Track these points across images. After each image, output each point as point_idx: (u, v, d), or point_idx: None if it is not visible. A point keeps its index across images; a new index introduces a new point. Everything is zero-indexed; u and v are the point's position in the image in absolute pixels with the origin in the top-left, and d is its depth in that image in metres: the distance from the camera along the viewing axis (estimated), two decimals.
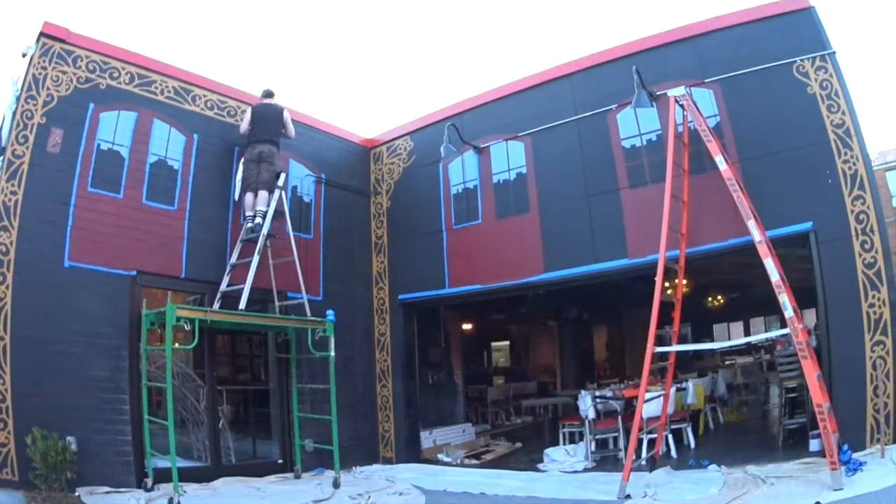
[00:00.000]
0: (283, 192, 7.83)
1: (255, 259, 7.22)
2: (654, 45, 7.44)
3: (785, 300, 5.57)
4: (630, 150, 7.45)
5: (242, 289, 6.99)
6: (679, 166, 6.81)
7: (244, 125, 7.76)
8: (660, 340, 5.91)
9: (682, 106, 6.60)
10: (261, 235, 7.36)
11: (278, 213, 7.68)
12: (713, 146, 6.22)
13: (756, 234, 5.81)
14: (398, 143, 9.62)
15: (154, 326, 6.53)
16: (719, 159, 6.14)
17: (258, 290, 7.41)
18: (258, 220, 7.42)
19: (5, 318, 5.78)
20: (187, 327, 6.22)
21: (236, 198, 7.78)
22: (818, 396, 5.16)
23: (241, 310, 6.83)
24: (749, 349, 14.24)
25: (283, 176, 7.90)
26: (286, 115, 7.97)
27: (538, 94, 8.33)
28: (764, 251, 5.75)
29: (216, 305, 7.01)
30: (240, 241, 7.55)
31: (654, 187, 7.23)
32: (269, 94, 8.07)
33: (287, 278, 7.68)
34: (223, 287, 7.25)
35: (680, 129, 6.90)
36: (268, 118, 7.80)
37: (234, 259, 7.51)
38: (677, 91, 6.56)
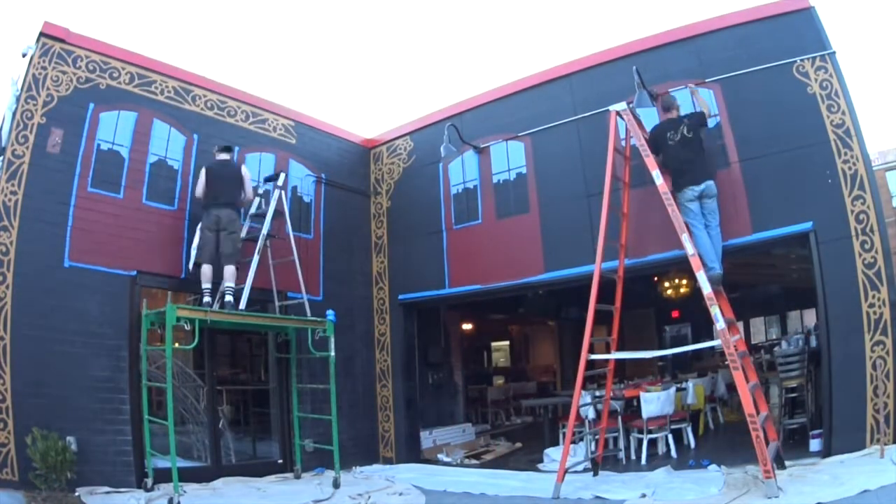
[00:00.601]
0: (283, 192, 7.74)
1: (255, 259, 7.19)
2: (654, 45, 7.44)
3: (717, 312, 5.57)
4: (630, 150, 7.44)
5: (242, 289, 6.95)
6: (620, 179, 6.92)
7: (199, 188, 7.03)
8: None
9: (623, 119, 6.62)
10: (261, 235, 7.31)
11: (278, 213, 7.62)
12: (650, 161, 6.24)
13: (689, 248, 5.84)
14: (398, 143, 9.62)
15: (154, 326, 6.53)
16: (656, 174, 6.16)
17: (258, 290, 7.41)
18: (228, 297, 6.70)
19: (5, 318, 5.78)
20: (187, 327, 6.21)
21: (190, 267, 7.06)
22: (749, 407, 5.18)
23: (241, 310, 6.81)
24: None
25: (282, 175, 7.82)
26: (245, 173, 7.33)
27: (538, 94, 8.32)
28: (696, 264, 5.80)
29: (216, 305, 6.97)
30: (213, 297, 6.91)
31: (654, 187, 7.22)
32: (226, 150, 7.34)
33: (287, 278, 7.67)
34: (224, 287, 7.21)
35: (623, 142, 7.03)
36: (225, 179, 7.05)
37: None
38: (619, 105, 6.60)
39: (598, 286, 6.41)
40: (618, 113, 6.61)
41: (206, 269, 6.77)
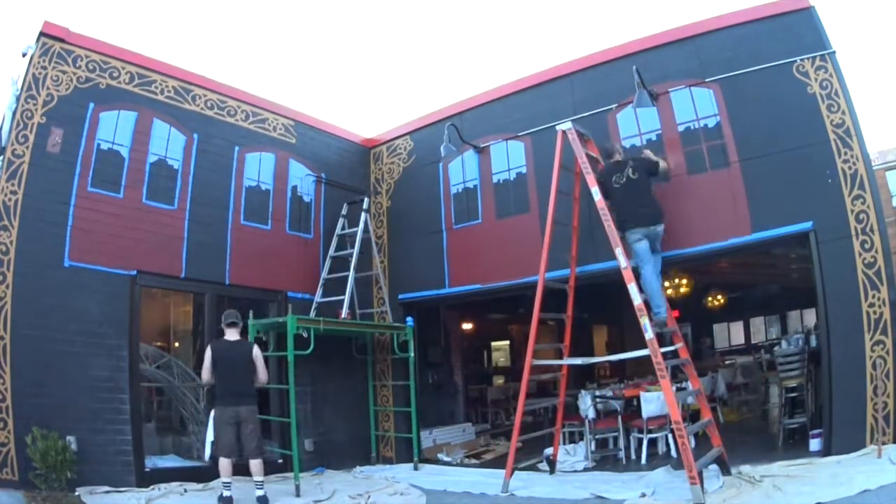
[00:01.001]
0: (368, 215, 8.64)
1: (351, 275, 8.15)
2: (654, 45, 7.43)
3: (645, 323, 5.68)
4: (631, 150, 7.45)
5: (337, 300, 7.91)
6: (568, 194, 7.12)
7: (205, 374, 6.12)
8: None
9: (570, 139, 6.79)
10: (354, 255, 8.27)
11: (364, 238, 8.51)
12: (591, 178, 6.39)
13: (622, 262, 5.93)
14: (398, 143, 9.61)
15: (259, 334, 7.28)
16: (595, 190, 6.31)
17: (261, 291, 7.65)
18: (260, 493, 5.93)
19: (5, 318, 5.78)
20: (305, 335, 6.90)
21: (206, 459, 6.35)
22: (675, 414, 5.35)
23: (345, 318, 7.85)
24: (749, 349, 14.27)
25: (367, 200, 8.67)
26: (257, 354, 6.27)
27: (538, 94, 8.32)
28: (628, 276, 5.88)
29: (312, 314, 7.86)
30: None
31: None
32: (233, 324, 6.25)
33: (287, 277, 7.92)
34: (318, 298, 8.30)
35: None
36: (236, 365, 6.09)
37: (325, 274, 8.49)
38: (565, 125, 6.77)
39: (543, 294, 6.73)
40: (564, 132, 6.77)
41: (225, 464, 5.89)
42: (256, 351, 6.25)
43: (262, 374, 6.24)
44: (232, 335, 6.21)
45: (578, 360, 7.42)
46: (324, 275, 8.55)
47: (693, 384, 6.40)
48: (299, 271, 8.47)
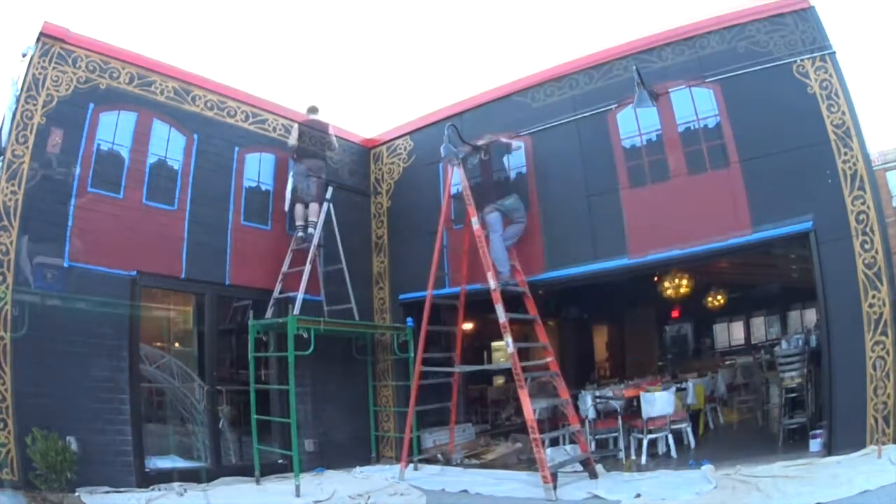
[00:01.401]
0: (330, 205, 8.25)
1: (307, 268, 7.65)
2: (653, 44, 7.42)
3: (508, 339, 6.51)
4: (630, 150, 7.45)
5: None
6: (457, 221, 7.90)
7: (292, 140, 8.23)
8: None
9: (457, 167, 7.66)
10: (312, 245, 7.83)
11: (326, 224, 8.15)
12: (471, 209, 7.36)
13: (491, 283, 6.88)
14: (398, 143, 9.60)
15: (259, 335, 7.37)
16: (474, 220, 7.32)
17: (257, 291, 7.57)
18: (310, 230, 7.96)
19: (5, 318, 5.78)
20: (305, 335, 6.98)
21: (285, 208, 8.17)
22: (531, 421, 6.06)
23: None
24: (749, 349, 14.27)
25: (330, 189, 8.29)
26: (331, 129, 8.61)
27: (538, 93, 8.31)
28: (496, 298, 6.82)
29: (269, 312, 7.63)
30: (290, 249, 8.03)
31: (654, 187, 7.24)
32: (314, 110, 8.65)
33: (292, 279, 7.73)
34: (276, 294, 7.77)
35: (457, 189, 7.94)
36: (315, 134, 8.42)
37: (285, 268, 7.93)
38: (453, 159, 7.71)
39: (432, 309, 7.86)
40: (450, 160, 7.63)
41: (299, 209, 8.04)
42: (331, 128, 8.61)
43: (334, 143, 8.59)
44: (313, 116, 8.59)
45: (468, 368, 8.61)
46: (284, 268, 7.99)
47: (562, 395, 6.96)
48: (301, 272, 8.43)
